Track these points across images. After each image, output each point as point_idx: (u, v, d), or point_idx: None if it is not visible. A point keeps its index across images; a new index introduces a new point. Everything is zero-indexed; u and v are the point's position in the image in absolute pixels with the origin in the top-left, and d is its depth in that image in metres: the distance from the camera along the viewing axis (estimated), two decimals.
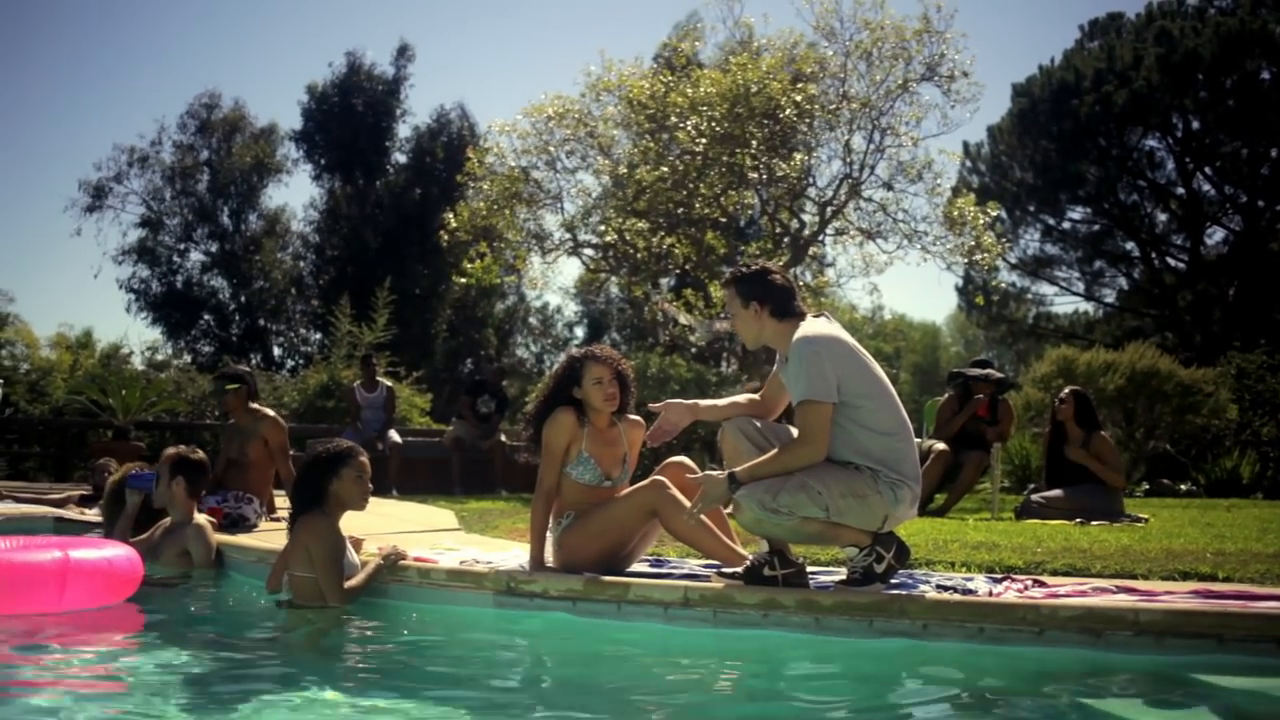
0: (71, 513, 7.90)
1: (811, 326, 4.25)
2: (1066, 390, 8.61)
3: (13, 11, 47.86)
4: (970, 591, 4.04)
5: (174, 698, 3.32)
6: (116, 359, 27.70)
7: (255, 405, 7.73)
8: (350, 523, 4.92)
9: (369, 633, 4.51)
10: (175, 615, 5.04)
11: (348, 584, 4.70)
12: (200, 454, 6.16)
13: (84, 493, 9.15)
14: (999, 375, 9.39)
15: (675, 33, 20.90)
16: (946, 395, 9.37)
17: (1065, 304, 31.83)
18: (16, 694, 3.37)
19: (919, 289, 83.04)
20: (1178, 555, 4.96)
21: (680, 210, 15.01)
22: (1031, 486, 9.11)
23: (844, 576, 4.23)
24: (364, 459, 4.87)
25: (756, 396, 4.64)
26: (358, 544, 5.12)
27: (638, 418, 4.99)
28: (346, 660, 4.12)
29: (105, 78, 57.34)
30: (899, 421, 4.24)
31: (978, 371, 9.24)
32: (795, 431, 4.26)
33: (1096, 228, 29.89)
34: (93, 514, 7.60)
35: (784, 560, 4.24)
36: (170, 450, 6.19)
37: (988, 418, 9.04)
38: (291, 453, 7.76)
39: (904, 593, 4.00)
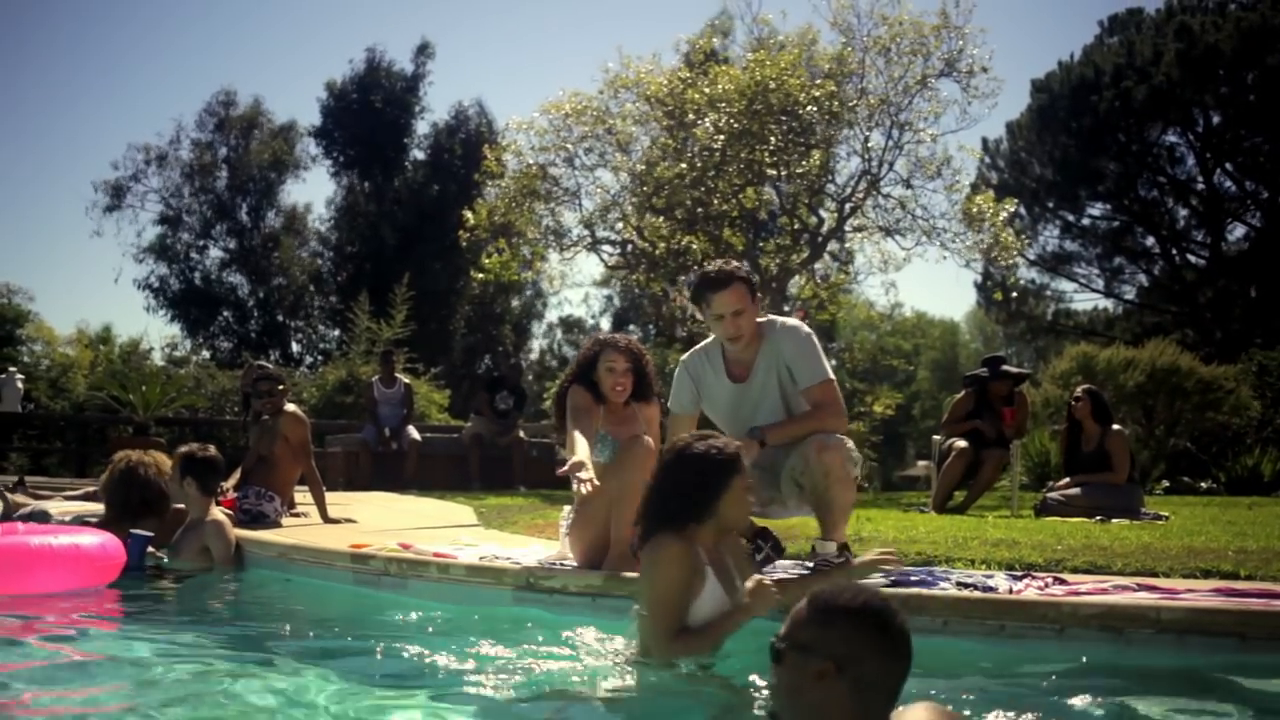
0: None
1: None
2: (1080, 390, 8.66)
3: (30, 12, 48.23)
4: (991, 589, 4.04)
5: (156, 686, 3.34)
6: (136, 355, 27.89)
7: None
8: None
9: (378, 625, 4.51)
10: (180, 606, 5.10)
11: (707, 632, 3.51)
12: (210, 450, 6.16)
13: (91, 489, 9.17)
14: (1014, 370, 9.38)
15: (704, 32, 20.60)
16: (963, 393, 9.36)
17: (1085, 300, 31.75)
18: None
19: (938, 286, 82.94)
20: (1199, 553, 4.93)
21: (699, 207, 14.99)
22: (1050, 484, 9.09)
23: (810, 566, 4.33)
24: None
25: None
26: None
27: (654, 401, 5.04)
28: (361, 652, 4.09)
29: (124, 77, 57.95)
30: None
31: (987, 371, 9.21)
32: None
33: (1116, 224, 29.78)
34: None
35: (763, 536, 4.31)
36: (181, 449, 6.24)
37: (1006, 417, 9.02)
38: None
39: (924, 590, 4.00)
